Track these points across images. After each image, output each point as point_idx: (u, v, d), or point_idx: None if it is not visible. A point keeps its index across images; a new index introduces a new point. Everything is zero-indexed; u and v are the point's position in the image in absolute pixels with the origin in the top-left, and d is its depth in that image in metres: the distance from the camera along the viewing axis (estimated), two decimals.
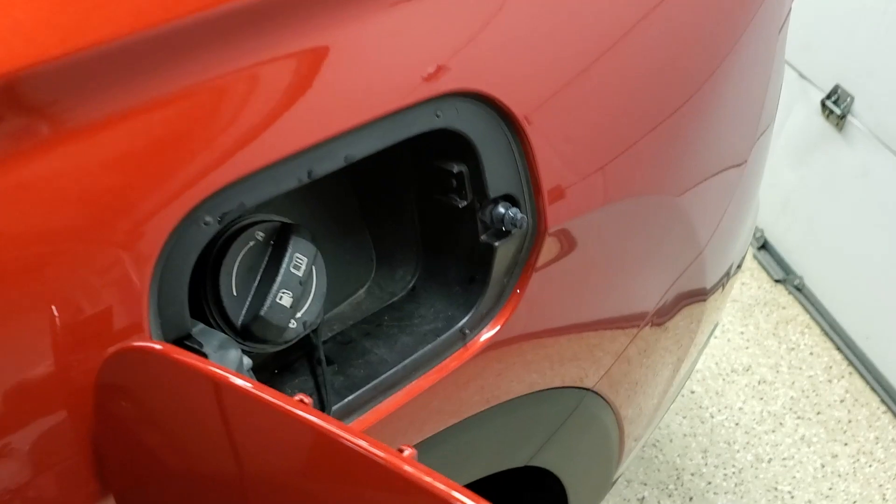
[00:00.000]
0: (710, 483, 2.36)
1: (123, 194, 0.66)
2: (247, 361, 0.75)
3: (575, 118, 0.96)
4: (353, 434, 0.45)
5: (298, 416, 0.47)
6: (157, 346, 0.54)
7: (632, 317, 1.22)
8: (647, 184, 1.08)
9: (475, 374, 0.98)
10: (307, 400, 0.53)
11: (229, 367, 0.70)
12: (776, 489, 2.35)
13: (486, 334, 0.97)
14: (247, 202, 0.74)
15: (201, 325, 0.76)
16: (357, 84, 0.77)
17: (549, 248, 0.97)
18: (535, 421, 1.16)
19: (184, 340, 0.73)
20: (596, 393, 1.25)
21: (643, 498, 2.32)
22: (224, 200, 0.72)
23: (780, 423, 2.53)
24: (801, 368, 2.71)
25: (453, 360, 0.95)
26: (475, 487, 1.19)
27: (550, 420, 1.19)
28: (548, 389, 1.12)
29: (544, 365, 1.09)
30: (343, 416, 0.89)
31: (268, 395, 0.48)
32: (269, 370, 0.94)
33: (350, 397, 0.89)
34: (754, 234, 3.09)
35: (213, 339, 0.74)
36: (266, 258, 0.84)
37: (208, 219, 0.72)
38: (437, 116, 0.84)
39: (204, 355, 0.71)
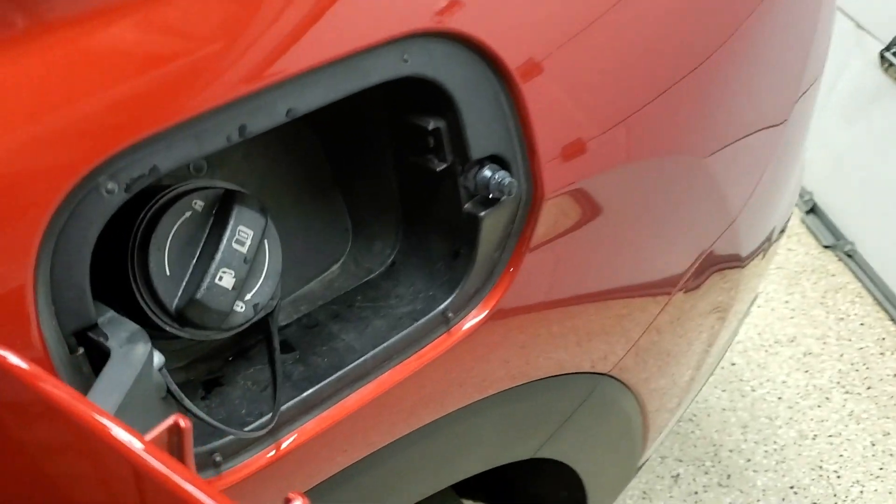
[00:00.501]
0: (749, 460, 2.24)
1: None
2: (158, 359, 0.63)
3: (580, 67, 0.82)
4: (201, 490, 0.33)
5: (143, 463, 0.35)
6: (20, 364, 0.42)
7: (657, 286, 1.09)
8: (666, 143, 0.94)
9: (460, 364, 0.85)
10: (185, 423, 0.41)
11: (135, 363, 0.58)
12: (821, 468, 2.22)
13: (473, 319, 0.84)
14: (161, 165, 0.61)
15: (111, 314, 0.64)
16: (300, 21, 0.64)
17: (548, 217, 0.83)
18: (538, 412, 1.04)
19: (87, 332, 0.61)
20: (613, 377, 1.12)
21: (678, 475, 2.21)
22: (131, 163, 0.60)
23: (827, 398, 2.40)
24: (850, 340, 2.56)
25: (433, 347, 0.82)
26: (478, 479, 1.09)
27: (557, 410, 1.06)
28: (552, 377, 0.99)
29: (545, 350, 0.96)
30: (300, 413, 0.77)
31: (114, 434, 0.36)
32: (224, 357, 0.82)
33: (309, 391, 0.76)
34: (802, 197, 2.96)
35: (121, 331, 0.62)
36: (206, 232, 0.72)
37: (111, 185, 0.59)
38: (405, 61, 0.71)
39: (108, 349, 0.59)
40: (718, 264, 1.20)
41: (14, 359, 0.42)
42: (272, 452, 0.75)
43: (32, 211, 0.55)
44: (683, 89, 0.92)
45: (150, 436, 0.39)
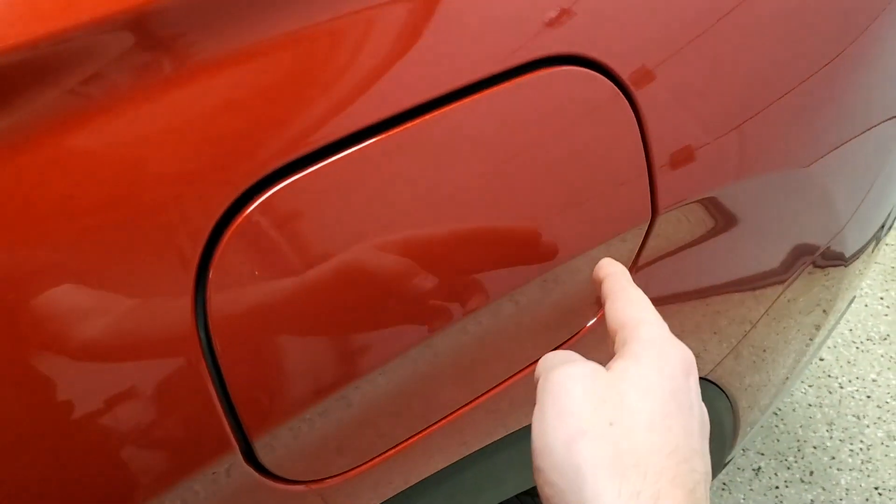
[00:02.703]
0: (833, 458, 2.20)
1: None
2: None
3: (689, 80, 0.80)
4: None
5: None
6: None
7: (757, 293, 1.07)
8: (773, 157, 0.91)
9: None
10: None
11: None
12: None
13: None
14: None
15: None
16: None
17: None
18: None
19: None
20: (709, 381, 1.12)
21: (759, 468, 2.19)
22: None
23: None
24: None
25: None
26: None
27: None
28: None
29: None
30: None
31: None
32: None
33: None
34: None
35: None
36: None
37: None
38: None
39: None
40: (826, 260, 1.17)
41: None
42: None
43: (191, 239, 0.57)
44: (793, 101, 0.88)
45: None
